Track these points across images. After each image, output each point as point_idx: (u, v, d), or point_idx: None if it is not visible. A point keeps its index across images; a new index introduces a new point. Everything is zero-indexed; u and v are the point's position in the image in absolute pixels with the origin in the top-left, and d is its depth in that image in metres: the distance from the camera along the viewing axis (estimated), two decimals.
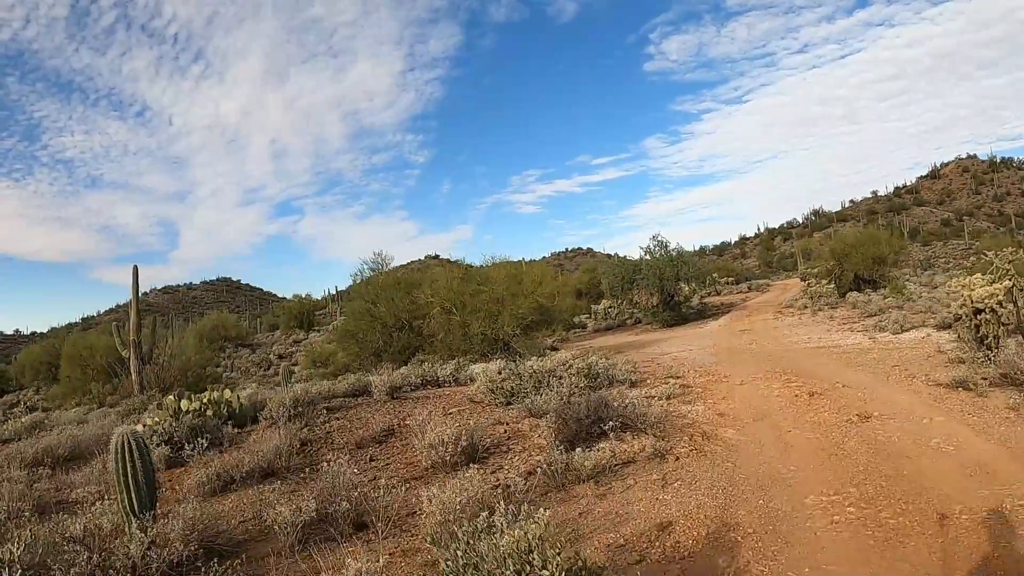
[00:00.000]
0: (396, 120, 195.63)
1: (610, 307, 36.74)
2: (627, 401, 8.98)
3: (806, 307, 27.52)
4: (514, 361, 17.52)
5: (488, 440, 9.03)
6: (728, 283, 49.09)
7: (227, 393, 11.46)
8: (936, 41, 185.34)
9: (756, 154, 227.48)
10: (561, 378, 11.03)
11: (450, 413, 10.81)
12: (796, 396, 10.06)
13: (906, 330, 16.70)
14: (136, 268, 24.76)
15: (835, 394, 9.91)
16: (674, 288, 30.95)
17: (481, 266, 23.65)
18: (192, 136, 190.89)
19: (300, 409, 11.13)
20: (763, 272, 73.11)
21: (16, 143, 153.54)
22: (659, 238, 32.36)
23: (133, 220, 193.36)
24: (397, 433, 10.19)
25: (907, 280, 33.05)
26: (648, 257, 32.23)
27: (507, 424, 9.87)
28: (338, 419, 11.15)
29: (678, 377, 12.95)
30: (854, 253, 30.17)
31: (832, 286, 29.57)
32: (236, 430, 10.91)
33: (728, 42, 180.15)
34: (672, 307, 31.31)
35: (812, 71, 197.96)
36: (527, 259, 24.51)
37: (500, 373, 12.45)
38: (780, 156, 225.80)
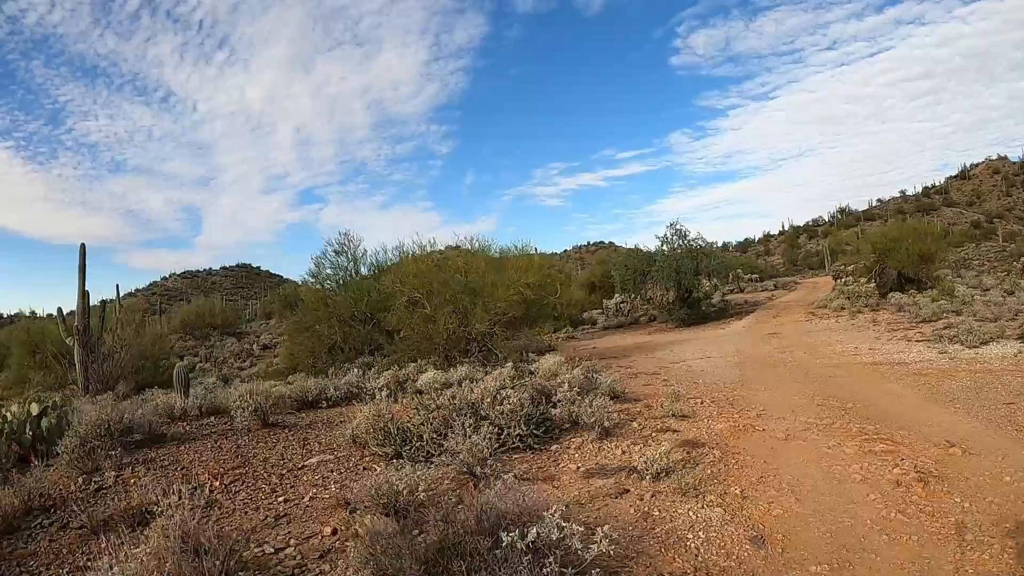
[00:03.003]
0: (420, 110, 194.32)
1: (622, 303, 33.44)
2: (565, 503, 4.36)
3: (843, 308, 24.10)
4: (484, 365, 14.59)
5: None
6: (752, 280, 45.66)
7: (33, 407, 8.22)
8: (967, 40, 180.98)
9: (782, 151, 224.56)
10: (483, 419, 7.37)
11: (301, 468, 7.50)
12: (897, 483, 5.61)
13: (985, 342, 13.35)
14: (83, 246, 21.61)
15: (961, 474, 5.78)
16: (693, 283, 27.57)
17: (458, 248, 20.29)
18: (216, 122, 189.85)
19: (101, 441, 7.26)
20: (788, 270, 70.41)
21: (41, 126, 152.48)
22: (677, 226, 28.89)
23: (157, 205, 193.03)
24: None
25: (951, 281, 29.63)
26: (665, 248, 28.82)
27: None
28: (143, 464, 7.37)
29: (685, 417, 8.58)
30: (897, 248, 26.72)
31: (872, 285, 26.14)
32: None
33: (756, 37, 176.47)
34: (690, 304, 27.94)
35: (840, 68, 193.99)
36: (526, 246, 21.31)
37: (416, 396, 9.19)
38: (806, 154, 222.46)
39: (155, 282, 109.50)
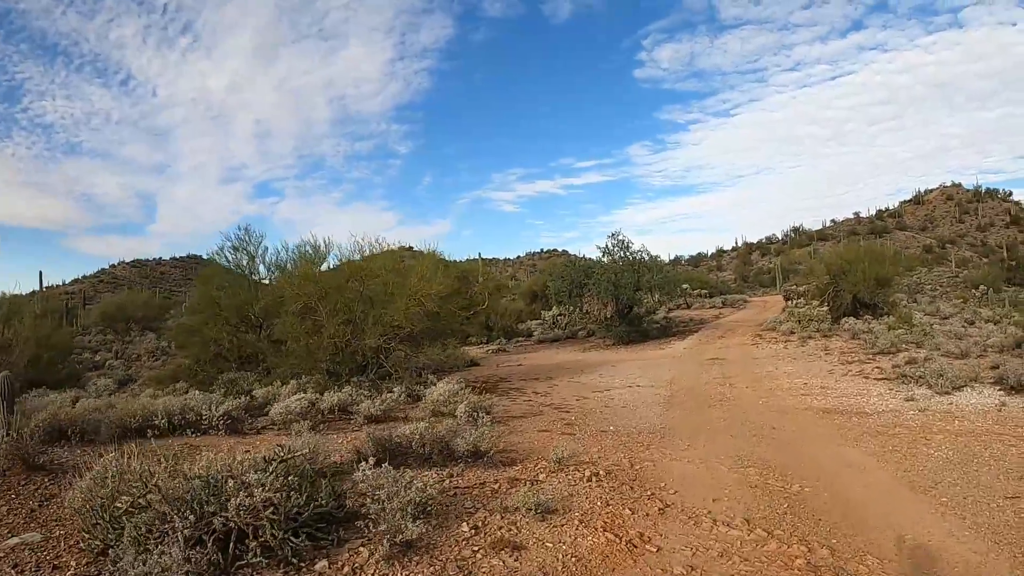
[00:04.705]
0: (382, 109, 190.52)
1: (560, 315, 31.05)
2: None
3: (793, 332, 21.98)
4: (375, 387, 12.33)
5: None
6: (701, 295, 43.61)
7: None
8: (930, 69, 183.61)
9: (740, 168, 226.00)
10: (220, 512, 4.50)
11: None
12: None
13: (958, 387, 11.14)
14: None
15: None
16: (633, 298, 25.24)
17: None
18: (176, 109, 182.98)
19: None
20: (739, 286, 68.79)
21: None
22: (620, 237, 26.52)
23: (112, 190, 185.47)
24: None
25: (906, 307, 27.78)
26: (605, 259, 26.46)
27: None
28: None
29: (550, 512, 5.64)
30: (853, 271, 24.70)
31: (825, 308, 24.05)
32: None
33: (721, 54, 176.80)
34: (630, 321, 25.59)
35: (803, 90, 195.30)
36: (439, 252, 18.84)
37: None
38: (764, 172, 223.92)
39: (103, 269, 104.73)
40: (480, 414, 9.67)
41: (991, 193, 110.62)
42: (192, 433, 9.07)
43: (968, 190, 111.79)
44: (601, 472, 6.99)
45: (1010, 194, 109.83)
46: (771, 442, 8.44)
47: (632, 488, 6.48)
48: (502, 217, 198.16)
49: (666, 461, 7.64)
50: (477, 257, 37.97)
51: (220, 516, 4.51)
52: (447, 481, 6.71)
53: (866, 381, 12.84)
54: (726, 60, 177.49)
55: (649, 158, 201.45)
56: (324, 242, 17.10)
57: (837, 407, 10.56)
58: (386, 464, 5.70)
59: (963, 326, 21.76)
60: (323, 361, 14.33)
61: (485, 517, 5.53)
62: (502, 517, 5.52)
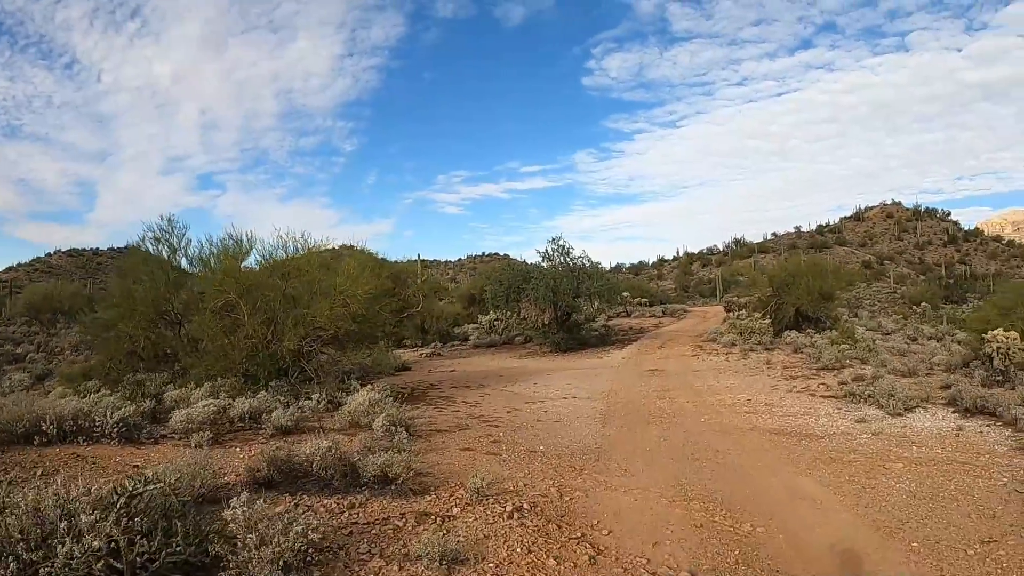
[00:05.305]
0: (329, 104, 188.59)
1: (496, 320, 30.10)
2: None
3: (734, 344, 21.40)
4: (294, 393, 11.95)
5: None
6: (641, 304, 43.12)
7: None
8: (875, 90, 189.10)
9: (685, 179, 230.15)
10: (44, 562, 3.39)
11: None
12: None
13: (910, 408, 10.48)
14: None
15: None
16: (572, 305, 24.41)
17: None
18: (120, 95, 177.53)
19: None
20: (679, 296, 68.88)
21: None
22: (560, 242, 25.66)
23: (51, 176, 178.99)
24: None
25: (849, 322, 27.53)
26: (544, 264, 25.58)
27: None
28: None
29: (459, 563, 4.60)
30: (796, 284, 24.28)
31: (767, 321, 23.55)
32: None
33: (669, 66, 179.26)
34: (569, 328, 24.76)
35: (749, 104, 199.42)
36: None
37: None
38: (708, 184, 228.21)
39: (39, 258, 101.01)
40: (398, 429, 8.64)
41: (930, 212, 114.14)
42: (84, 441, 7.85)
43: (907, 209, 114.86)
44: (525, 506, 6.02)
45: (948, 214, 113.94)
46: (716, 468, 7.61)
47: (560, 528, 5.52)
48: (445, 219, 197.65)
49: (600, 491, 6.71)
50: (416, 258, 36.74)
51: (46, 567, 3.43)
52: (346, 514, 5.66)
53: (812, 398, 12.19)
54: (675, 72, 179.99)
55: (594, 165, 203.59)
56: (247, 236, 15.83)
57: (784, 427, 9.81)
58: (266, 497, 4.64)
59: (906, 342, 21.56)
60: (239, 363, 13.11)
61: (380, 569, 4.49)
62: (400, 569, 4.49)
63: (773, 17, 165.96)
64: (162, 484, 4.52)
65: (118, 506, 4.04)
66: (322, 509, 5.69)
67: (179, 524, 4.25)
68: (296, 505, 5.77)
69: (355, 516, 5.62)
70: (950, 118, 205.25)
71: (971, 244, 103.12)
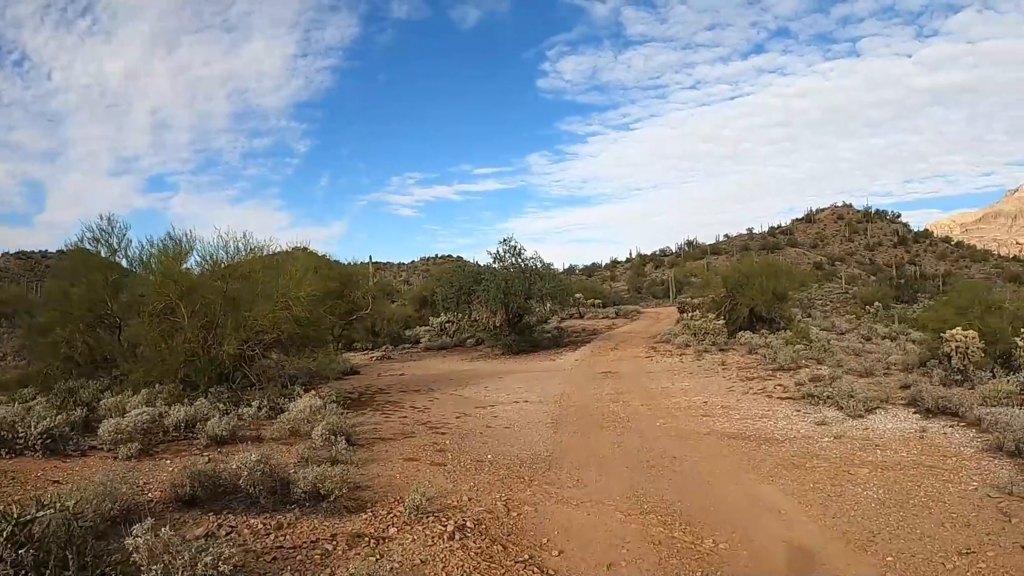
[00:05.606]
0: (282, 105, 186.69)
1: (448, 322, 29.49)
2: None
3: (688, 345, 21.09)
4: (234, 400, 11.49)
5: None
6: (594, 305, 42.82)
7: None
8: (827, 95, 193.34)
9: (638, 182, 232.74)
10: None
11: None
12: None
13: (871, 410, 10.14)
14: None
15: None
16: (524, 306, 23.90)
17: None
18: (70, 94, 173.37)
19: None
20: (632, 297, 68.75)
21: None
22: (512, 243, 25.10)
23: None
24: None
25: (803, 322, 27.44)
26: (496, 265, 25.02)
27: None
28: None
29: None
30: (750, 284, 24.06)
31: (721, 322, 23.28)
32: None
33: (624, 69, 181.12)
34: (520, 330, 24.25)
35: (702, 108, 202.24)
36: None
37: None
38: (661, 186, 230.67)
39: None
40: (338, 438, 8.06)
41: (880, 214, 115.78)
42: (7, 454, 7.18)
43: (858, 211, 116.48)
44: (469, 524, 5.48)
45: (898, 216, 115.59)
46: (673, 476, 7.15)
47: (505, 549, 5.00)
48: (399, 221, 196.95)
49: (550, 504, 6.20)
50: (368, 260, 35.96)
51: None
52: (272, 536, 5.09)
53: (770, 400, 11.85)
54: (629, 75, 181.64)
55: (548, 168, 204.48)
56: (187, 236, 15.04)
57: (743, 431, 9.42)
58: (189, 516, 3.99)
59: (860, 342, 21.45)
60: (178, 368, 12.37)
61: None
62: None
63: (727, 22, 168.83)
64: (61, 508, 3.88)
65: (4, 535, 3.42)
66: (246, 531, 5.15)
67: (71, 556, 3.62)
68: (219, 526, 5.21)
69: (282, 539, 5.06)
70: (900, 122, 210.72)
71: (921, 245, 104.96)
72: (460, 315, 26.23)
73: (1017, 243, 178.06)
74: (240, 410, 10.26)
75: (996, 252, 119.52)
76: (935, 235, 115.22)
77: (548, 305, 26.09)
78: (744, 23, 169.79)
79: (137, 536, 3.84)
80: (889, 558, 4.82)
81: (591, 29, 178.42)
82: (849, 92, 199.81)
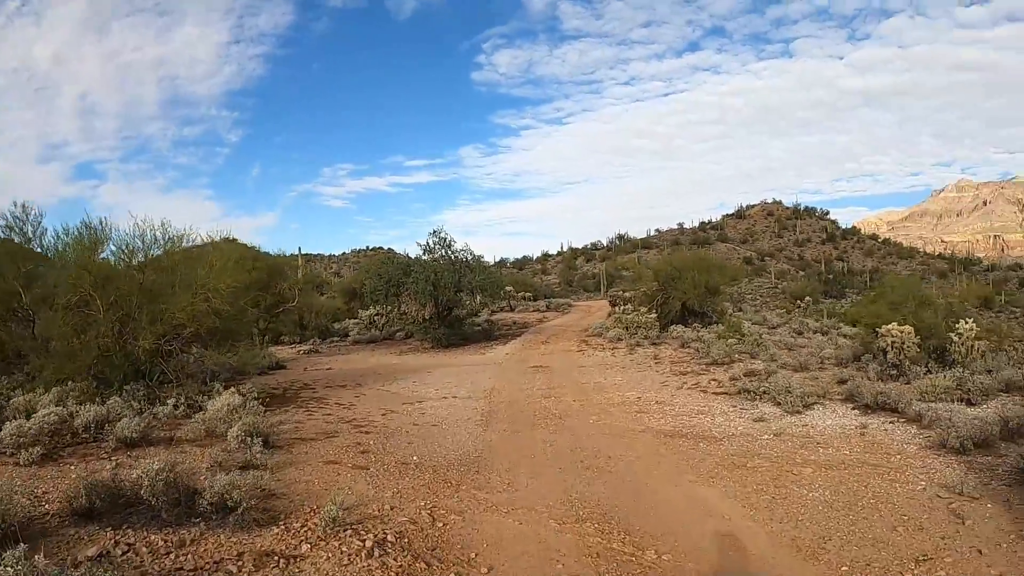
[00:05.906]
0: (214, 93, 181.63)
1: (377, 315, 28.73)
2: None
3: (620, 339, 20.86)
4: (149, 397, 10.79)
5: None
6: (525, 298, 42.48)
7: None
8: (760, 95, 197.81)
9: (570, 176, 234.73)
10: None
11: None
12: None
13: (808, 406, 9.89)
14: None
15: None
16: (454, 299, 23.34)
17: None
18: None
19: None
20: (564, 290, 68.84)
21: None
22: (441, 234, 24.51)
23: None
24: None
25: (735, 316, 27.55)
26: (425, 257, 24.39)
27: None
28: None
29: None
30: (683, 278, 23.95)
31: (653, 315, 23.13)
32: None
33: (558, 64, 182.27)
34: (450, 323, 23.69)
35: (635, 104, 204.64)
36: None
37: None
38: (593, 180, 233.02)
39: None
40: (254, 439, 7.39)
41: (809, 211, 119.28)
42: None
43: (788, 208, 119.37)
44: (390, 537, 4.93)
45: (827, 213, 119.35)
46: (609, 478, 6.71)
47: (429, 566, 4.49)
48: (330, 212, 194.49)
49: (479, 512, 5.68)
50: (297, 251, 34.89)
51: None
52: (172, 555, 4.50)
53: (705, 395, 11.57)
54: (563, 70, 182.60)
55: (480, 160, 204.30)
56: (102, 224, 14.06)
57: (679, 429, 9.05)
58: (85, 532, 3.33)
59: (792, 336, 21.49)
60: (90, 364, 11.45)
61: None
62: None
63: (663, 19, 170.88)
64: None
65: None
66: (144, 549, 4.56)
67: None
68: (116, 543, 4.58)
69: (183, 559, 4.47)
70: (831, 123, 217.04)
71: (848, 242, 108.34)
72: (389, 308, 25.52)
73: (942, 241, 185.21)
74: (156, 408, 9.68)
75: (922, 249, 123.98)
76: (863, 232, 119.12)
77: (479, 298, 25.58)
78: (680, 21, 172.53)
79: (7, 566, 3.20)
80: (844, 567, 4.46)
81: (527, 23, 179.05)
82: (782, 92, 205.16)
